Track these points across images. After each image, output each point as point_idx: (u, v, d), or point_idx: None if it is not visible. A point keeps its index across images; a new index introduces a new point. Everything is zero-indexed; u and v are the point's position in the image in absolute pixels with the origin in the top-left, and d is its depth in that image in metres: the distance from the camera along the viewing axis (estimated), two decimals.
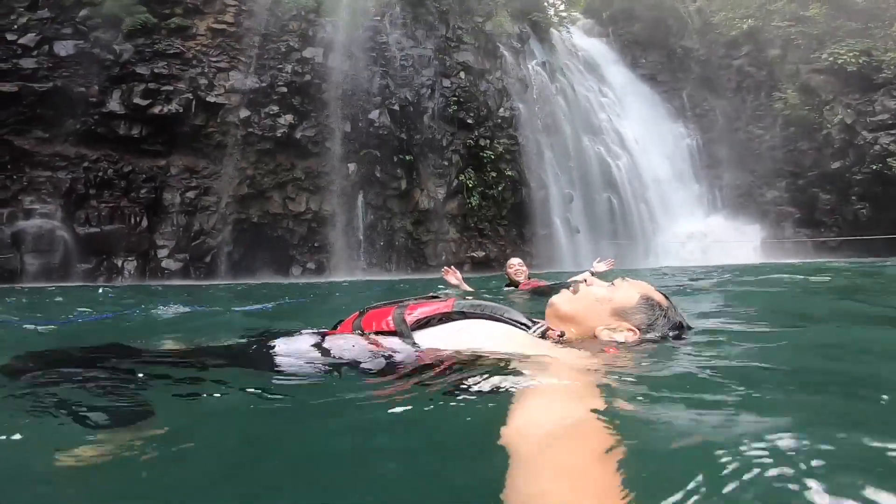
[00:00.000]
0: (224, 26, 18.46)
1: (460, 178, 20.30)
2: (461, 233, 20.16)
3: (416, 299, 1.91)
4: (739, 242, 22.97)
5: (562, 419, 1.06)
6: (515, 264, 7.28)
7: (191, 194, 16.80)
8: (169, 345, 2.47)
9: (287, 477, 1.11)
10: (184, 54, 17.64)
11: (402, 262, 19.30)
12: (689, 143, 26.92)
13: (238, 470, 1.15)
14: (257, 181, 17.61)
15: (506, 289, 7.23)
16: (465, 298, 1.88)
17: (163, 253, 16.05)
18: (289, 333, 1.87)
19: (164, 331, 3.98)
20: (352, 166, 18.77)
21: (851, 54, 23.61)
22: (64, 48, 16.43)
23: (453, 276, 6.52)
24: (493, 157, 20.64)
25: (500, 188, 20.73)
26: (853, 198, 23.26)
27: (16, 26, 16.22)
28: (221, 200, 17.14)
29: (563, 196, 21.86)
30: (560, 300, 1.92)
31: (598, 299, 1.87)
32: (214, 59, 18.09)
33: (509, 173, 20.82)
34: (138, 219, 15.82)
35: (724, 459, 0.87)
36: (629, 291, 1.90)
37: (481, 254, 19.94)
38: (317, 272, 17.75)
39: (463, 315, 1.74)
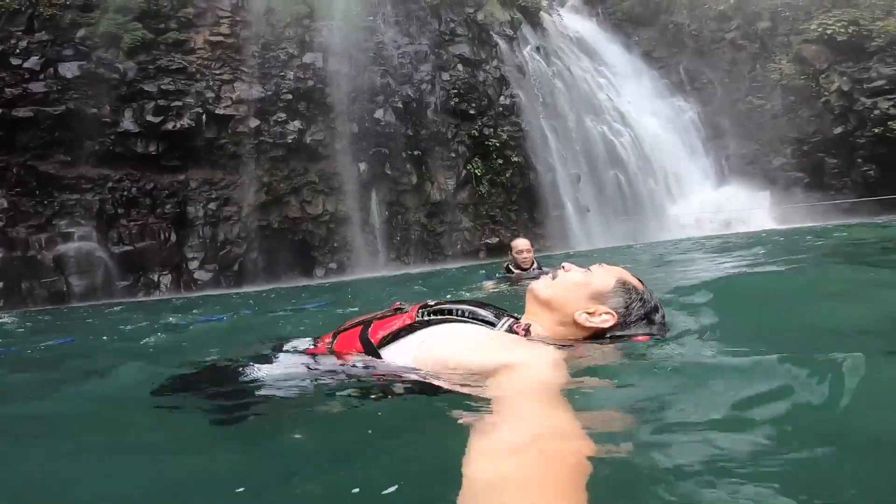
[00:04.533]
0: (221, 38, 19.42)
1: (468, 168, 21.41)
2: (474, 221, 21.29)
3: (381, 316, 2.00)
4: (753, 210, 24.09)
5: (522, 443, 1.02)
6: (524, 249, 6.89)
7: (212, 206, 17.91)
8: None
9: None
10: (187, 69, 18.65)
11: (419, 255, 20.43)
12: (692, 116, 28.11)
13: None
14: (274, 188, 18.71)
15: (506, 279, 6.88)
16: (428, 305, 1.95)
17: (193, 265, 17.20)
18: (268, 357, 2.05)
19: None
20: (362, 166, 19.85)
21: (840, 24, 24.85)
22: (69, 70, 17.31)
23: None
24: (498, 144, 21.76)
25: (507, 174, 21.88)
26: (859, 160, 24.49)
27: (17, 50, 17.02)
28: (242, 209, 18.26)
29: (571, 177, 22.99)
30: (539, 286, 2.04)
31: (576, 283, 1.99)
32: (217, 71, 19.10)
33: (515, 159, 21.94)
34: (167, 234, 16.95)
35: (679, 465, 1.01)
36: (605, 276, 2.01)
37: (495, 240, 21.03)
38: (339, 271, 18.87)
39: (426, 324, 1.83)
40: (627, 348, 1.85)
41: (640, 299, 1.98)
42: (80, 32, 17.69)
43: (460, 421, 1.24)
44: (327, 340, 2.01)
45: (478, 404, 1.35)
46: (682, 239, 18.50)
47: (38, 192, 16.13)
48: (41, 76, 16.97)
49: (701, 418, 1.21)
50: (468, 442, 1.02)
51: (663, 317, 2.03)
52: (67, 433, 1.78)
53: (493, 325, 1.85)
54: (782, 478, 0.95)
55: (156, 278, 16.51)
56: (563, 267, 2.07)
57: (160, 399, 1.89)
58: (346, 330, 2.00)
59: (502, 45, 23.90)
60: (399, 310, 2.01)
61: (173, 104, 17.91)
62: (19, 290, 15.10)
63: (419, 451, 1.34)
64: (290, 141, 19.01)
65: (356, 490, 1.11)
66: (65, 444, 1.65)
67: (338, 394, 1.69)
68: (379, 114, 20.32)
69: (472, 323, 1.83)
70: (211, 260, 17.53)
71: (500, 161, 21.79)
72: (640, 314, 1.96)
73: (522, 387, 1.36)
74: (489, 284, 6.80)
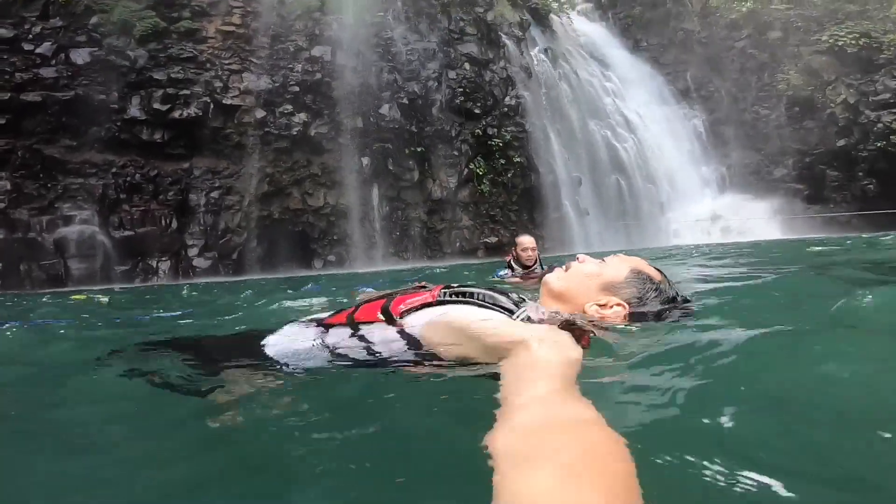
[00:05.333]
0: (232, 28, 19.65)
1: (471, 167, 21.64)
2: (474, 220, 21.55)
3: (404, 291, 2.00)
4: (751, 220, 24.27)
5: (544, 419, 0.97)
6: (529, 247, 6.76)
7: (215, 194, 18.19)
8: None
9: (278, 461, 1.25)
10: (197, 58, 18.88)
11: (418, 251, 20.69)
12: (696, 124, 28.32)
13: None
14: (276, 179, 18.98)
15: (508, 275, 6.82)
16: (451, 286, 1.93)
17: (193, 252, 17.49)
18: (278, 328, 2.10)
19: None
20: (365, 160, 20.09)
21: (851, 36, 25.08)
22: (80, 56, 17.53)
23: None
24: (501, 144, 22.00)
25: (509, 175, 22.12)
26: (860, 174, 24.69)
27: (31, 35, 17.25)
28: (244, 199, 18.54)
29: (572, 180, 23.23)
30: (552, 278, 2.02)
31: (588, 275, 1.95)
32: (226, 61, 19.32)
33: (518, 160, 22.18)
34: (168, 220, 17.23)
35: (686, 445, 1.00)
36: (619, 266, 1.96)
37: (494, 239, 21.27)
38: (337, 264, 19.14)
39: (445, 303, 1.82)
40: (646, 331, 1.79)
41: (656, 289, 1.92)
42: (94, 19, 17.90)
43: (475, 397, 1.28)
44: (348, 313, 1.98)
45: (488, 380, 1.33)
46: (679, 246, 18.68)
47: (42, 176, 16.41)
48: (52, 62, 17.20)
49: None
50: (496, 421, 0.94)
51: (685, 303, 1.96)
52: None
53: (511, 312, 1.76)
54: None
55: (154, 264, 16.81)
56: (578, 258, 2.04)
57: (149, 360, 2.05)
58: (369, 301, 1.97)
59: (510, 45, 24.10)
60: (423, 287, 2.00)
61: (181, 93, 18.15)
62: (17, 271, 15.38)
63: (421, 427, 1.35)
64: (294, 133, 19.27)
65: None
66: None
67: (343, 367, 1.76)
68: (384, 109, 20.57)
69: (492, 308, 1.75)
70: (211, 248, 17.83)
71: (503, 161, 22.02)
72: (657, 305, 1.90)
73: (540, 367, 1.25)
74: (509, 277, 6.76)
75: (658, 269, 2.00)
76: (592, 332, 1.67)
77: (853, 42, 24.93)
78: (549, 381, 1.12)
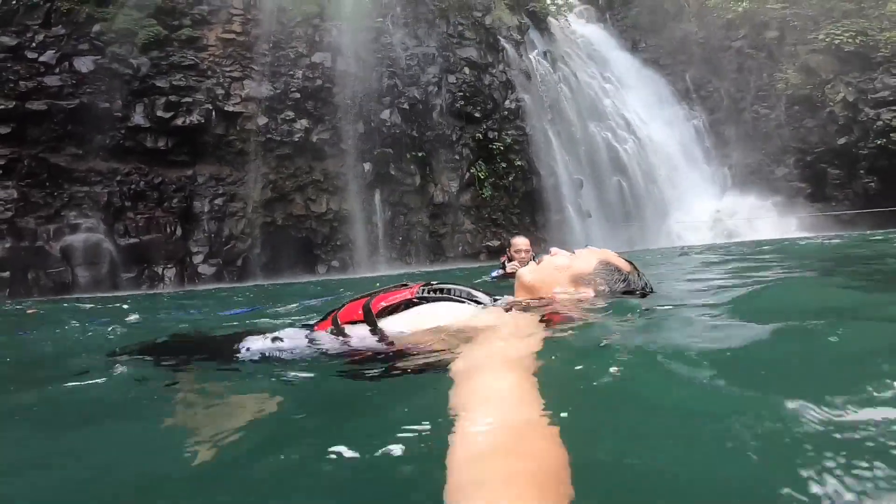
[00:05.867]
0: (233, 35, 19.80)
1: (472, 171, 21.77)
2: (476, 223, 21.66)
3: (385, 289, 2.08)
4: (754, 220, 24.38)
5: (497, 390, 1.11)
6: (523, 248, 6.69)
7: (219, 201, 18.33)
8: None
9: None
10: (198, 65, 19.03)
11: (420, 255, 20.79)
12: (696, 125, 28.46)
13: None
14: (279, 185, 19.12)
15: (501, 275, 6.80)
16: (430, 284, 2.03)
17: (198, 259, 17.62)
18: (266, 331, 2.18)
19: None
20: (367, 165, 20.22)
21: (847, 34, 25.22)
22: (84, 64, 17.63)
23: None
24: (502, 148, 22.13)
25: (510, 178, 22.24)
26: (861, 172, 24.76)
27: (34, 44, 17.37)
28: (247, 205, 18.67)
29: (573, 182, 23.34)
30: (524, 271, 2.09)
31: (558, 267, 2.01)
32: (228, 68, 19.47)
33: (519, 163, 22.31)
34: (173, 227, 17.36)
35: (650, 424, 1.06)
36: (588, 258, 2.02)
37: (496, 243, 21.36)
38: (341, 269, 19.26)
39: (424, 300, 1.91)
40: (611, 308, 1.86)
41: (624, 280, 1.98)
42: (96, 27, 18.03)
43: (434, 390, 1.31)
44: (333, 314, 2.05)
45: (453, 366, 1.38)
46: (682, 246, 18.76)
47: (48, 184, 16.56)
48: (56, 70, 17.32)
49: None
50: (450, 436, 1.00)
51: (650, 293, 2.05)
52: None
53: (486, 306, 1.89)
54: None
55: (160, 271, 16.94)
56: (551, 252, 2.11)
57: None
58: (354, 300, 2.05)
59: (509, 49, 24.26)
60: (404, 285, 2.08)
61: (184, 100, 18.29)
62: (25, 279, 15.51)
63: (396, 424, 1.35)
64: (296, 139, 19.41)
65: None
66: None
67: (326, 364, 1.82)
68: (385, 114, 20.71)
69: (467, 303, 1.89)
70: (215, 254, 17.96)
71: (504, 164, 22.15)
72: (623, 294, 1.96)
73: (491, 356, 1.36)
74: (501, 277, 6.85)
75: (629, 261, 2.07)
76: (557, 312, 1.80)
77: (850, 40, 25.06)
78: (497, 376, 1.21)
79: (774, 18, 27.87)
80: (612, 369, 1.31)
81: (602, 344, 1.52)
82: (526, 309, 1.89)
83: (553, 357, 1.38)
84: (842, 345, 1.42)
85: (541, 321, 1.70)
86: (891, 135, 23.46)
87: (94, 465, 1.32)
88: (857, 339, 1.51)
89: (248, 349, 1.98)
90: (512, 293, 2.12)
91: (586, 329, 1.68)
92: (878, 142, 23.77)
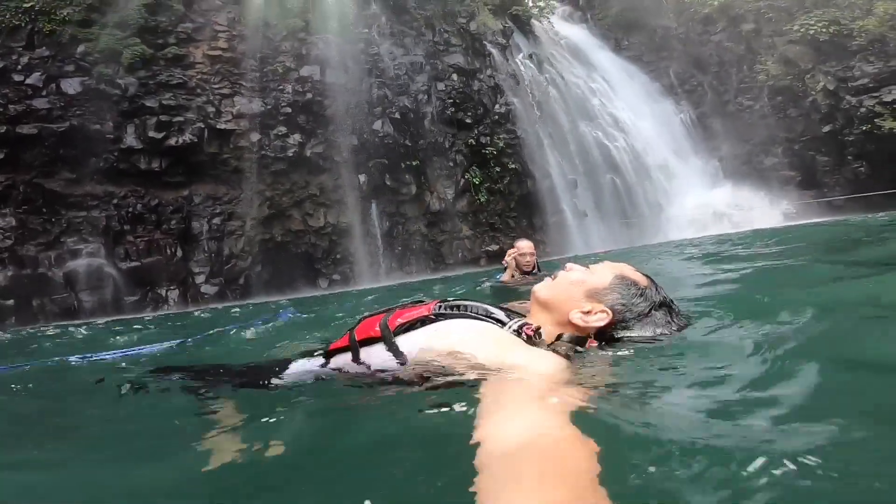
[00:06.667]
0: (219, 52, 19.69)
1: (466, 177, 21.89)
2: (474, 229, 21.76)
3: (402, 305, 2.10)
4: (749, 210, 24.67)
5: (526, 431, 1.09)
6: (528, 252, 6.88)
7: (217, 220, 18.25)
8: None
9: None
10: (187, 84, 18.91)
11: (420, 264, 20.83)
12: (683, 119, 28.77)
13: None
14: (276, 201, 19.08)
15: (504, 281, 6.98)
16: (447, 300, 2.05)
17: (200, 279, 17.51)
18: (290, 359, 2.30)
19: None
20: (362, 177, 20.25)
21: (821, 24, 25.58)
22: (71, 86, 17.44)
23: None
24: (495, 152, 22.27)
25: (505, 182, 22.39)
26: (849, 158, 25.12)
27: (19, 66, 17.16)
28: (246, 223, 18.61)
29: (568, 182, 23.53)
30: (539, 287, 2.06)
31: (573, 283, 2.00)
32: (217, 86, 19.39)
33: (513, 167, 22.45)
34: (173, 249, 17.25)
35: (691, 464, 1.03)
36: (604, 272, 2.00)
37: (495, 247, 21.47)
38: (343, 282, 19.25)
39: (442, 317, 1.92)
40: (637, 353, 1.84)
41: (641, 294, 1.95)
42: (81, 48, 17.85)
43: (457, 410, 1.40)
44: (350, 331, 2.10)
45: (474, 398, 1.42)
46: (680, 240, 18.93)
47: (44, 210, 16.40)
48: (43, 92, 17.14)
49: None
50: (475, 434, 1.04)
51: (672, 312, 2.00)
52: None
53: (503, 324, 1.88)
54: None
55: (164, 293, 16.81)
56: (566, 267, 2.09)
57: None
58: (371, 316, 2.08)
59: (495, 53, 24.44)
60: (420, 301, 2.11)
61: (175, 119, 18.16)
62: (30, 306, 15.33)
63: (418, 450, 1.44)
64: (290, 154, 19.39)
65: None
66: None
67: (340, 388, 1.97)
68: (377, 125, 20.74)
69: (485, 320, 1.88)
70: (217, 274, 17.86)
71: (498, 169, 22.28)
72: (642, 310, 1.93)
73: (519, 391, 1.41)
74: (506, 278, 7.02)
75: (646, 275, 2.05)
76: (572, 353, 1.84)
77: (824, 30, 25.45)
78: (526, 402, 1.28)
79: (750, 11, 28.24)
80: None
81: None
82: (554, 346, 1.88)
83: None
84: None
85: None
86: (875, 120, 23.87)
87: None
88: None
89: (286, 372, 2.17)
90: (513, 297, 2.19)
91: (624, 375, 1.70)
92: (864, 127, 24.13)
